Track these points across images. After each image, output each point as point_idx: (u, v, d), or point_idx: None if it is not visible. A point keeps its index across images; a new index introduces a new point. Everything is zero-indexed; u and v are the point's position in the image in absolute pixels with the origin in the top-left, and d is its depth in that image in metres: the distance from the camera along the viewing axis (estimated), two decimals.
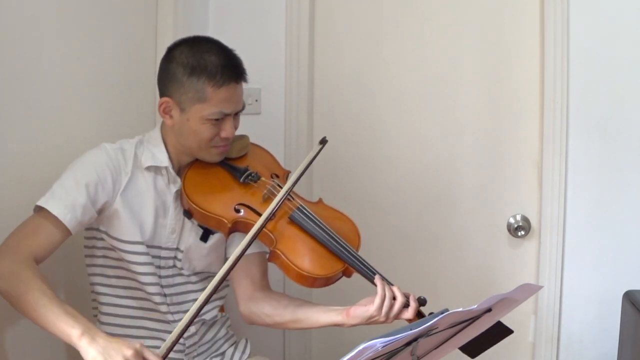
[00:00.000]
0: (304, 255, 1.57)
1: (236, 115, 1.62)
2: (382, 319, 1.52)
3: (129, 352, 1.28)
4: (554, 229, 2.12)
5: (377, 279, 1.55)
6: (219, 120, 1.56)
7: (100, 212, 1.55)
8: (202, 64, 1.54)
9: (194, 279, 1.68)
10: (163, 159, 1.61)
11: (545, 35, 2.08)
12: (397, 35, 2.26)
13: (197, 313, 1.41)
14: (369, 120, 2.31)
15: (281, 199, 1.57)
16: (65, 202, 1.48)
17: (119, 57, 1.96)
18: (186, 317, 1.39)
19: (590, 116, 2.09)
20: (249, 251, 1.66)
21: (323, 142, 1.72)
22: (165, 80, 1.58)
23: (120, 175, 1.57)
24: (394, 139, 2.29)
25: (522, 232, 2.17)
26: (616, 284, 2.01)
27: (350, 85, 2.32)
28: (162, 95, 1.60)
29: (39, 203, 1.49)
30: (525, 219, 2.18)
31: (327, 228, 1.60)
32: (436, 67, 2.24)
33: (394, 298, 1.53)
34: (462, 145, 2.23)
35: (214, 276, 1.71)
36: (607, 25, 2.05)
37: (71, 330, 1.30)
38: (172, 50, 1.60)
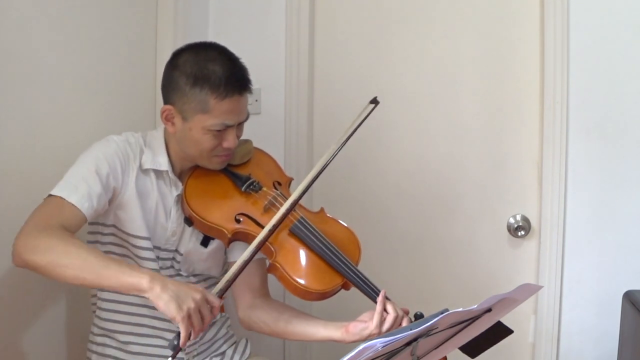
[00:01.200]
0: (302, 269, 1.56)
1: (240, 124, 1.60)
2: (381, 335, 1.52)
3: (197, 296, 1.35)
4: (554, 229, 2.11)
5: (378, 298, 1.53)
6: (221, 131, 1.55)
7: (110, 201, 1.54)
8: (206, 74, 1.51)
9: (192, 279, 1.68)
10: (163, 163, 1.60)
11: (545, 35, 2.08)
12: (397, 35, 2.26)
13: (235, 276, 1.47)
14: (369, 120, 2.30)
15: (283, 215, 1.53)
16: (82, 192, 1.46)
17: (119, 57, 1.96)
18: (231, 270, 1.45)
19: (590, 116, 2.09)
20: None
21: (375, 102, 1.64)
22: (169, 88, 1.57)
23: (128, 166, 1.56)
24: (394, 139, 2.29)
25: (522, 232, 2.17)
26: (616, 284, 2.01)
27: (350, 85, 2.32)
28: (165, 102, 1.58)
29: (54, 192, 1.46)
30: (525, 219, 2.18)
31: (327, 242, 1.59)
32: (436, 67, 2.24)
33: (396, 316, 1.52)
34: (463, 146, 2.23)
35: (213, 277, 1.72)
36: (607, 25, 2.05)
37: (139, 280, 1.33)
38: (176, 56, 1.58)
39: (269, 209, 1.61)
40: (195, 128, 1.54)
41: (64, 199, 1.44)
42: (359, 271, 1.58)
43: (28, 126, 1.64)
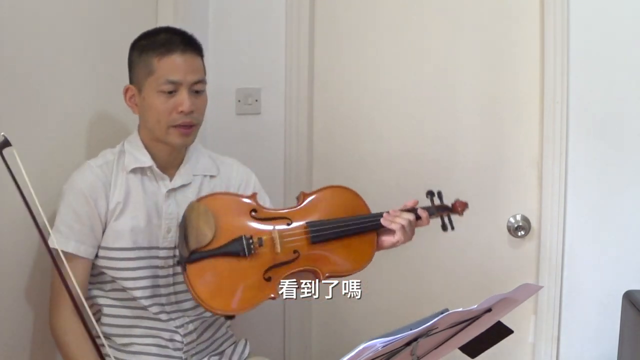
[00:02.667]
0: (345, 260, 1.60)
1: (198, 92, 1.60)
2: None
3: None
4: (554, 229, 2.12)
5: (382, 221, 1.62)
6: (172, 93, 1.56)
7: (105, 224, 1.58)
8: (151, 41, 1.59)
9: None
10: (145, 160, 1.61)
11: (545, 35, 2.09)
12: (396, 35, 2.26)
13: None
14: (369, 120, 2.31)
15: None
16: (76, 237, 1.54)
17: (119, 57, 1.95)
18: None
19: (590, 116, 2.09)
20: None
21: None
22: (128, 70, 1.64)
23: (110, 189, 1.59)
24: (394, 139, 2.29)
25: (522, 232, 2.17)
26: (616, 284, 2.01)
27: (350, 85, 2.32)
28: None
29: (51, 245, 1.48)
30: (525, 219, 2.18)
31: (340, 222, 1.61)
32: (436, 67, 2.24)
33: (410, 220, 1.63)
34: (462, 146, 2.23)
35: None
36: (607, 25, 2.06)
37: None
38: (134, 42, 1.65)
39: (282, 244, 1.55)
40: (148, 95, 1.58)
41: (64, 252, 1.48)
42: (373, 215, 1.65)
43: (28, 125, 1.64)
